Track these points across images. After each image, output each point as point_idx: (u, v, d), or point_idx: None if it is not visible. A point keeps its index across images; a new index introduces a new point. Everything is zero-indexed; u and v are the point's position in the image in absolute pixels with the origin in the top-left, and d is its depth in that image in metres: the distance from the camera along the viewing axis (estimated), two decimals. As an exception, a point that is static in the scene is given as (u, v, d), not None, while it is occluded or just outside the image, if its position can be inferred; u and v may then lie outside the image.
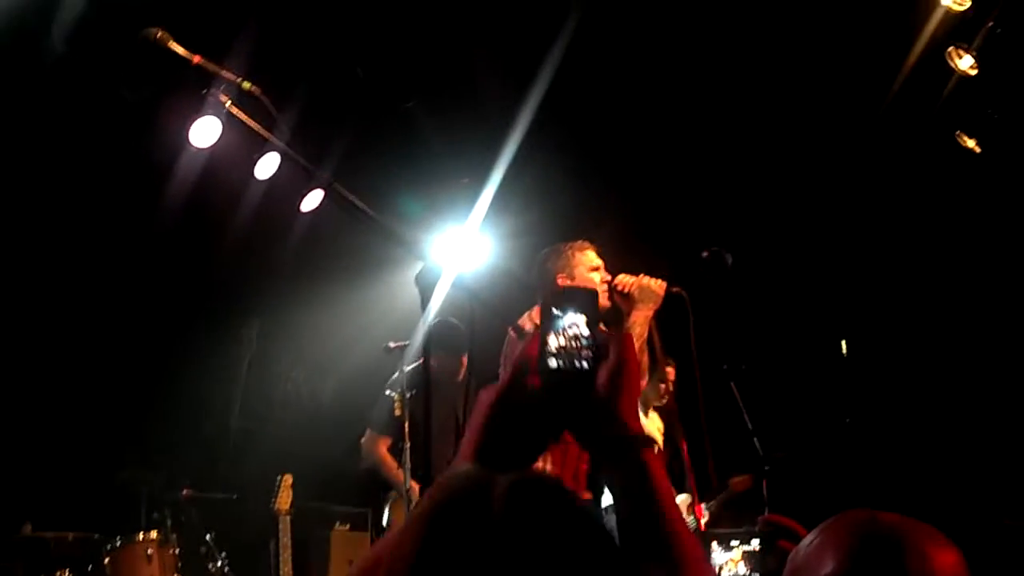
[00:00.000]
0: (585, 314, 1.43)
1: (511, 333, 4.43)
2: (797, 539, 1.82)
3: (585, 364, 1.40)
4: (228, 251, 7.19)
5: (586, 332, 1.42)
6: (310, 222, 6.94)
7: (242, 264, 7.47)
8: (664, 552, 1.32)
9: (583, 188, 7.54)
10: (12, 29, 4.97)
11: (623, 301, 4.25)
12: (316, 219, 6.90)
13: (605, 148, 7.09)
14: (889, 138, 6.15)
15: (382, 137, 6.95)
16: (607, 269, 4.45)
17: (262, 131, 2.94)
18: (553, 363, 1.41)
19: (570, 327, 1.43)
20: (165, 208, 6.48)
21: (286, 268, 7.58)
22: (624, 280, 4.27)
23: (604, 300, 4.37)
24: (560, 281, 4.46)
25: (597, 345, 1.42)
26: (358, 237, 7.16)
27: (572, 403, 1.41)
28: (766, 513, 2.40)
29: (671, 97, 6.59)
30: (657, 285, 4.20)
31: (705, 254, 4.31)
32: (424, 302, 4.37)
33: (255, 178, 6.35)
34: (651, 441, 1.43)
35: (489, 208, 6.72)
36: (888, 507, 1.61)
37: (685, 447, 6.55)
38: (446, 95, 6.70)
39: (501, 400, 1.44)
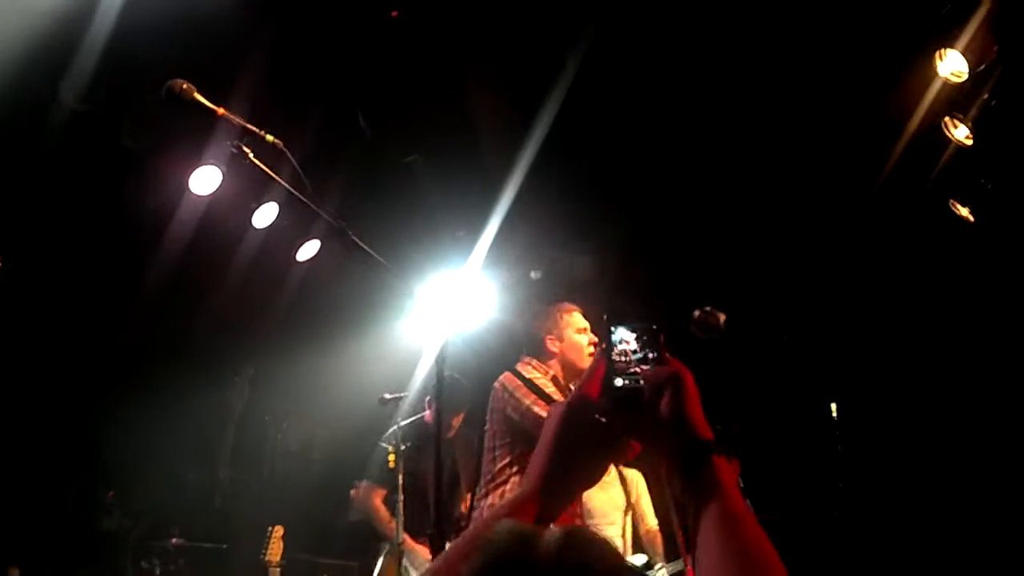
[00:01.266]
0: (635, 332, 1.51)
1: (496, 385, 4.49)
2: None
3: (643, 381, 1.47)
4: (222, 299, 7.19)
5: (637, 347, 1.50)
6: (305, 272, 7.00)
7: (236, 313, 7.48)
8: (741, 559, 1.32)
9: (581, 240, 7.58)
10: (14, 83, 5.03)
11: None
12: (311, 269, 6.99)
13: (605, 199, 7.13)
14: (886, 204, 6.20)
15: (381, 188, 7.00)
16: (594, 330, 4.53)
17: (285, 184, 2.97)
18: (619, 381, 1.47)
19: (621, 343, 1.51)
20: (162, 256, 6.51)
21: (280, 317, 7.58)
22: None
23: (589, 361, 4.44)
24: (549, 342, 4.55)
25: (654, 360, 1.49)
26: (353, 288, 7.20)
27: (639, 417, 1.46)
28: None
29: (666, 158, 6.64)
30: None
31: (697, 313, 4.30)
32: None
33: (252, 227, 6.45)
34: (727, 449, 1.46)
35: (486, 260, 6.78)
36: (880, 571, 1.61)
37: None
38: (445, 148, 6.75)
39: (569, 416, 1.48)
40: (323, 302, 7.51)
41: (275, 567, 5.89)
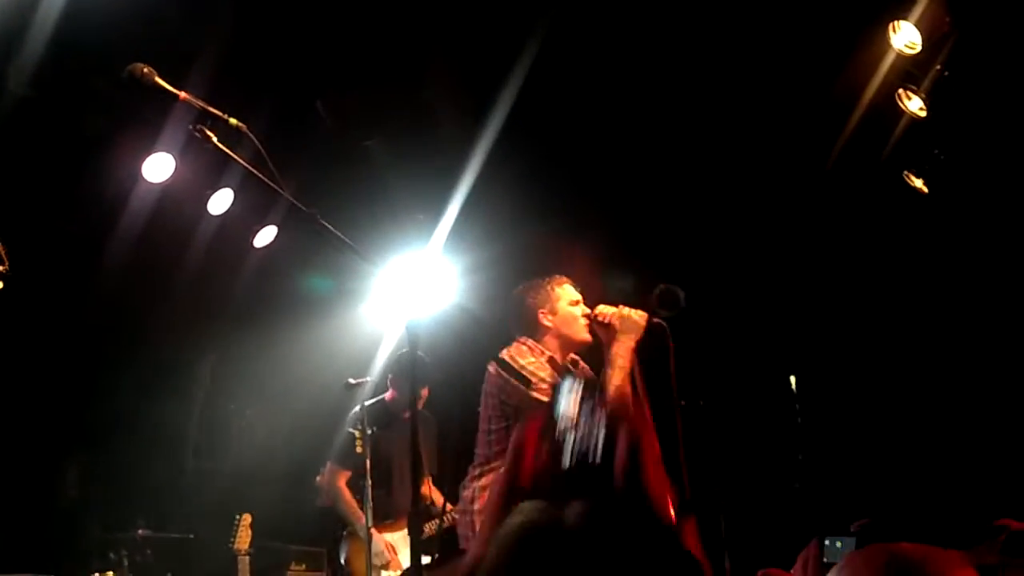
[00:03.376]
0: (576, 383, 1.43)
1: (491, 368, 4.39)
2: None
3: (598, 455, 1.37)
4: (180, 288, 7.13)
5: (582, 397, 1.40)
6: (262, 257, 6.96)
7: (194, 301, 7.42)
8: None
9: (542, 222, 7.58)
10: None
11: (604, 332, 4.23)
12: (269, 255, 6.95)
13: (563, 181, 7.14)
14: (841, 177, 6.25)
15: (340, 172, 6.96)
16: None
17: (247, 166, 2.96)
18: (566, 461, 1.38)
19: (564, 401, 1.40)
20: (117, 243, 6.44)
21: (239, 305, 7.53)
22: (604, 311, 4.24)
23: (585, 333, 4.39)
24: (542, 316, 4.42)
25: (606, 424, 1.39)
26: (312, 273, 7.18)
27: (594, 486, 1.40)
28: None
29: (625, 131, 6.65)
30: (639, 316, 4.17)
31: (657, 290, 4.30)
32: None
33: (208, 214, 6.40)
34: (686, 513, 1.44)
35: (447, 243, 6.77)
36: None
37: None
38: (403, 129, 6.73)
39: (504, 511, 1.40)
40: (282, 288, 7.48)
41: (244, 555, 5.90)
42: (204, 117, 2.82)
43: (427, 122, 6.67)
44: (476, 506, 4.29)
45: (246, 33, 5.65)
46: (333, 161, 6.85)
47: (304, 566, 7.01)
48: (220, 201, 6.23)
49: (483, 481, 4.34)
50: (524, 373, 4.25)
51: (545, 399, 4.15)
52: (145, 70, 2.79)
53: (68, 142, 5.86)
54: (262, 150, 2.88)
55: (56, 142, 5.87)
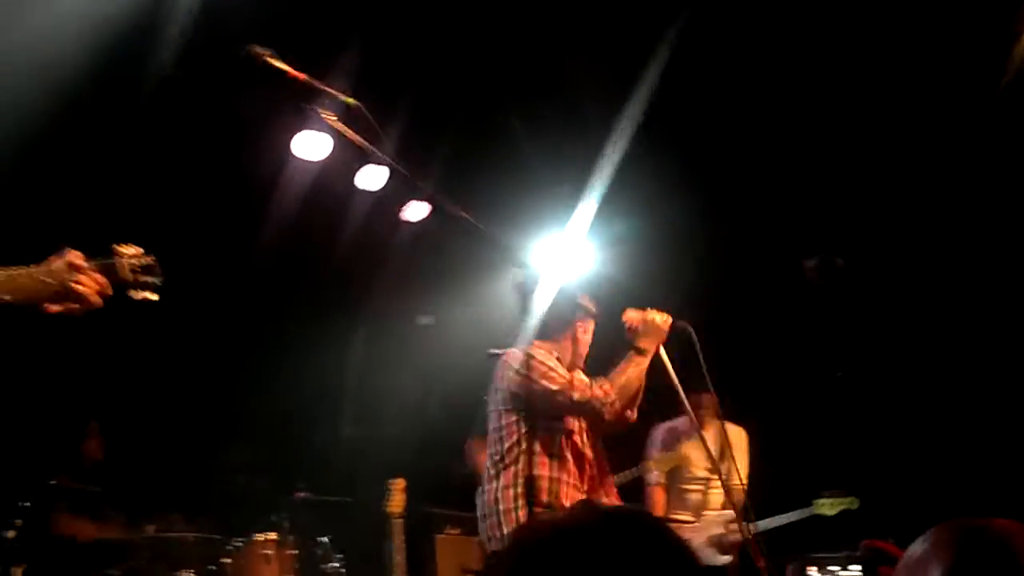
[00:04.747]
0: None
1: (505, 358, 4.51)
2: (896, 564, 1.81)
3: None
4: (335, 261, 7.37)
5: None
6: (414, 231, 7.12)
7: (348, 274, 7.66)
8: None
9: (687, 194, 7.53)
10: (116, 50, 5.18)
11: (629, 335, 4.40)
12: (420, 228, 7.11)
13: (709, 153, 7.07)
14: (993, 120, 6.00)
15: (483, 146, 7.06)
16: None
17: (366, 144, 3.03)
18: None
19: None
20: (273, 220, 6.69)
21: (391, 276, 7.72)
22: (630, 316, 4.41)
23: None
24: (579, 326, 4.54)
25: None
26: (461, 245, 7.30)
27: None
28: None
29: (776, 102, 6.54)
30: (661, 320, 4.35)
31: (813, 261, 4.27)
32: (524, 309, 4.50)
33: (360, 189, 6.58)
34: None
35: (592, 214, 6.79)
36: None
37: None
38: (547, 102, 6.77)
39: None
40: (432, 259, 7.62)
41: (397, 518, 6.08)
42: (323, 97, 2.91)
43: (570, 97, 6.70)
44: (501, 507, 4.31)
45: (391, 15, 5.78)
46: (477, 137, 6.94)
47: (459, 530, 7.19)
48: (371, 176, 6.38)
49: (502, 481, 4.35)
50: (536, 362, 4.32)
51: (555, 388, 4.26)
52: (263, 52, 2.85)
53: (221, 123, 6.10)
54: (376, 127, 2.95)
55: (209, 123, 6.12)
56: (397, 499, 6.14)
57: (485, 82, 6.43)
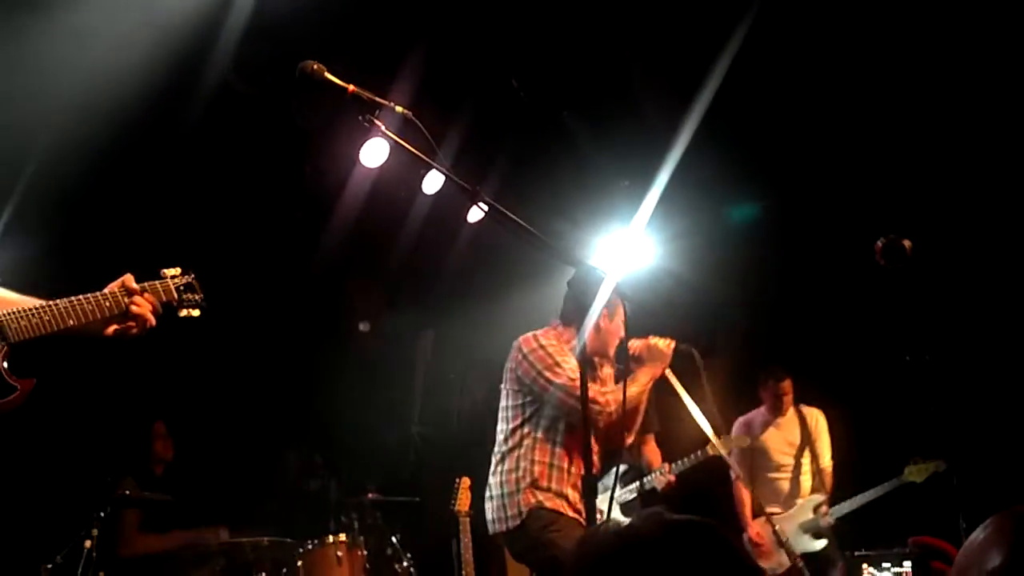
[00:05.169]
0: None
1: (518, 343, 4.63)
2: (949, 561, 1.79)
3: None
4: (401, 263, 7.43)
5: None
6: (476, 231, 7.16)
7: (414, 276, 7.71)
8: None
9: (748, 188, 7.48)
10: (178, 65, 5.27)
11: (634, 362, 4.52)
12: (482, 228, 7.14)
13: (771, 147, 7.01)
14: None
15: (544, 145, 7.06)
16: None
17: (418, 153, 3.10)
18: None
19: None
20: (338, 224, 6.76)
21: (454, 277, 7.76)
22: (633, 344, 4.52)
23: (612, 349, 4.65)
24: (604, 317, 4.58)
25: None
26: (518, 245, 7.30)
27: None
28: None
29: (837, 94, 6.46)
30: (664, 345, 4.49)
31: (882, 241, 4.22)
32: (580, 306, 4.52)
33: (423, 193, 6.63)
34: None
35: (653, 210, 6.76)
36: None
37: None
38: (606, 98, 6.75)
39: None
40: (495, 259, 7.64)
41: (465, 516, 6.11)
42: (376, 107, 2.97)
43: (629, 93, 6.67)
44: (506, 490, 4.45)
45: (450, 17, 5.80)
46: (537, 136, 6.94)
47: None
48: (433, 181, 6.45)
49: (508, 464, 4.48)
50: (543, 353, 4.46)
51: (559, 381, 4.36)
52: (315, 66, 2.92)
53: (289, 134, 6.19)
54: (429, 137, 3.01)
55: (279, 136, 6.22)
56: (464, 498, 6.18)
57: (545, 81, 6.42)
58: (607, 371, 4.76)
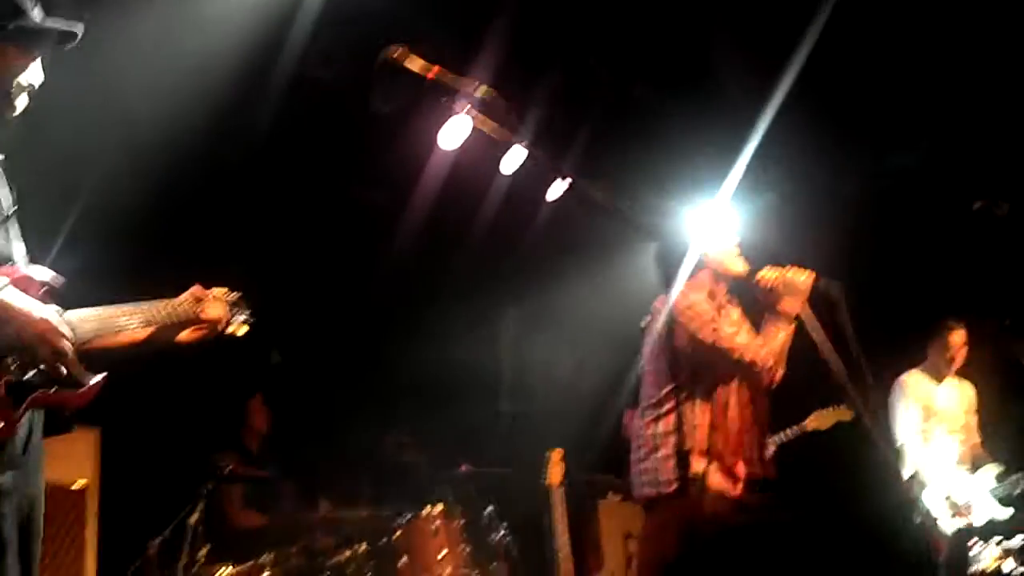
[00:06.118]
0: None
1: (655, 309, 4.43)
2: None
3: None
4: (486, 240, 7.50)
5: None
6: (557, 207, 7.18)
7: (499, 253, 7.78)
8: None
9: (838, 158, 7.38)
10: (258, 54, 5.38)
11: (767, 296, 4.17)
12: (562, 204, 7.16)
13: (859, 116, 6.90)
14: None
15: (626, 121, 7.05)
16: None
17: (501, 132, 3.16)
18: None
19: None
20: (422, 203, 6.86)
21: (537, 254, 7.80)
22: (766, 276, 4.18)
23: (739, 265, 4.38)
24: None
25: None
26: (601, 221, 7.31)
27: None
28: None
29: (928, 62, 6.33)
30: (803, 279, 4.10)
31: (977, 205, 4.14)
32: (667, 279, 4.46)
33: (501, 173, 6.67)
34: None
35: (740, 183, 6.72)
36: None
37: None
38: (692, 70, 6.72)
39: None
40: (576, 235, 7.67)
41: (558, 487, 6.18)
42: (454, 89, 3.01)
43: (715, 64, 6.62)
44: (660, 453, 4.16)
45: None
46: (620, 112, 6.94)
47: (621, 496, 7.30)
48: (511, 160, 6.47)
49: (662, 427, 4.20)
50: (694, 313, 4.20)
51: (710, 341, 4.12)
52: (398, 53, 2.98)
53: (368, 118, 6.30)
54: (511, 114, 3.05)
55: (356, 120, 6.32)
56: (556, 469, 6.23)
57: (627, 54, 6.41)
58: (735, 314, 4.43)
